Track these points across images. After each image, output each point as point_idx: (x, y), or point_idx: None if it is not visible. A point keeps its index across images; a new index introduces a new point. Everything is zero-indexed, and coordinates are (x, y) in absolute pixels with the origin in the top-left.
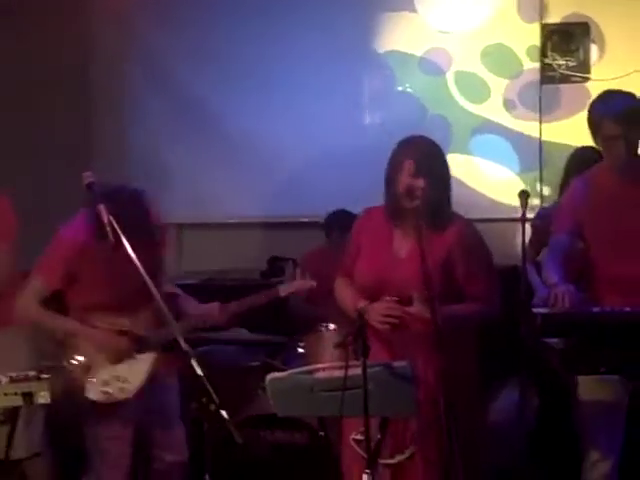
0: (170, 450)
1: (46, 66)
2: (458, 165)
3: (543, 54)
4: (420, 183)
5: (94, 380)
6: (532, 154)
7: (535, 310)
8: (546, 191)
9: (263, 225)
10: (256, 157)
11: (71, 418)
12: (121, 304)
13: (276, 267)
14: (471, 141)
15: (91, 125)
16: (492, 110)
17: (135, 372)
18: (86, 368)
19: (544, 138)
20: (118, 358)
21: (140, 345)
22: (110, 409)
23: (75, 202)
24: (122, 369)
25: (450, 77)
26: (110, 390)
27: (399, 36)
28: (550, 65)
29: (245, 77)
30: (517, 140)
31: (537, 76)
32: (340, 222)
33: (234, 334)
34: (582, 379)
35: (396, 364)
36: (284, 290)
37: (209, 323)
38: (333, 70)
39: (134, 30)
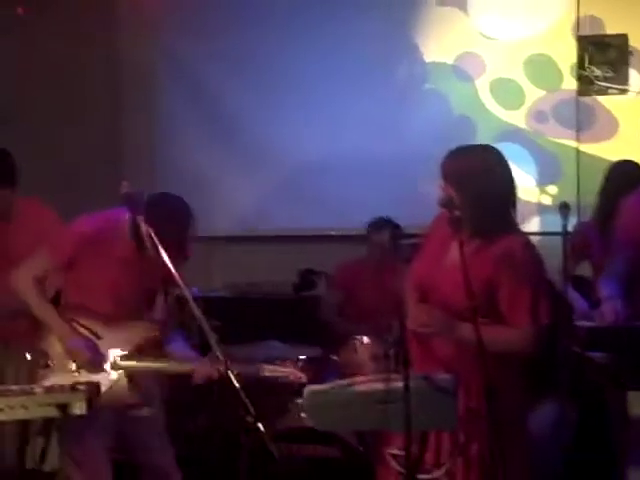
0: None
1: (78, 74)
2: None
3: (580, 66)
4: (448, 193)
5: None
6: (553, 166)
7: (579, 323)
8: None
9: (296, 238)
10: (288, 169)
11: None
12: (115, 313)
13: (308, 280)
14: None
15: (122, 136)
16: (521, 119)
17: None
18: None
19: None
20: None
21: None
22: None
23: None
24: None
25: (484, 82)
26: None
27: (438, 33)
28: (587, 77)
29: (278, 87)
30: (539, 151)
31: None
32: (380, 229)
33: (266, 347)
34: (632, 395)
35: (439, 377)
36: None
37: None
38: (369, 76)
39: (164, 41)
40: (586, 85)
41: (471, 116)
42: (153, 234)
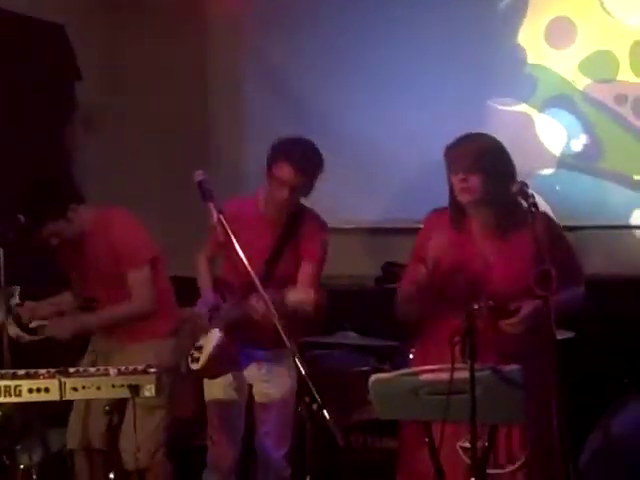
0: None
1: (170, 74)
2: None
3: None
4: (459, 178)
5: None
6: None
7: None
8: None
9: (377, 230)
10: (370, 162)
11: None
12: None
13: (391, 273)
14: None
15: (209, 138)
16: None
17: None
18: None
19: None
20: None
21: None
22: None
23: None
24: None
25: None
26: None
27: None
28: None
29: (363, 84)
30: None
31: None
32: None
33: (343, 338)
34: None
35: (506, 368)
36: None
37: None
38: (452, 73)
39: (251, 41)
40: None
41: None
42: (224, 220)
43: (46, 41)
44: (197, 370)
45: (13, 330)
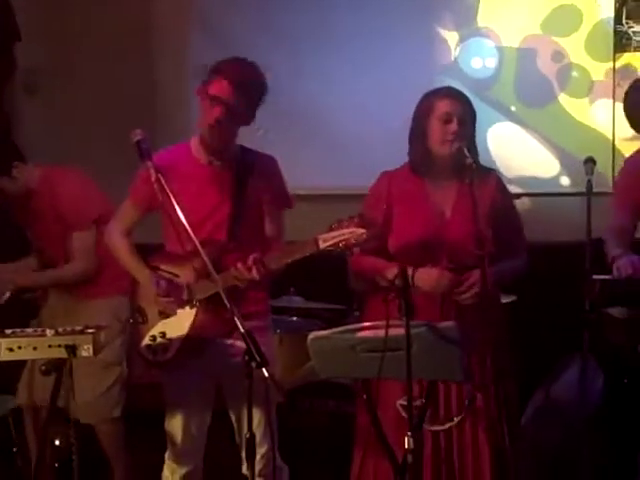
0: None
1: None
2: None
3: (618, 21)
4: (454, 127)
5: (146, 337)
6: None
7: (594, 277)
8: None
9: (322, 197)
10: (312, 128)
11: None
12: (182, 254)
13: None
14: None
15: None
16: None
17: (176, 327)
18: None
19: None
20: (166, 312)
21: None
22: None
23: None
24: (166, 324)
25: None
26: (155, 345)
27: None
28: (626, 33)
29: (315, 49)
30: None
31: None
32: None
33: (288, 302)
34: None
35: (441, 325)
36: (325, 240)
37: (246, 277)
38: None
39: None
40: (623, 42)
41: None
42: (162, 179)
43: None
44: (168, 359)
45: None
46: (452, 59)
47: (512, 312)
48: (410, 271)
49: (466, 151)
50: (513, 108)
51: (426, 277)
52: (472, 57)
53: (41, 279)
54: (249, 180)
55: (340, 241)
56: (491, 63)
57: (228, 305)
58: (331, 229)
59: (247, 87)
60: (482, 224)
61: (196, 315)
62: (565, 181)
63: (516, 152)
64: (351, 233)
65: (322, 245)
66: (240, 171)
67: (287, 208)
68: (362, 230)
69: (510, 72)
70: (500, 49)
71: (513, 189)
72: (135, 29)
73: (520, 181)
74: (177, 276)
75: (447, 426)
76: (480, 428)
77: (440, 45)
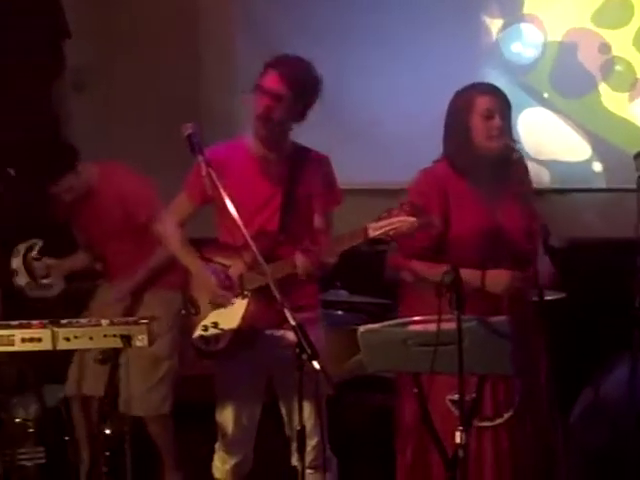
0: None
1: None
2: None
3: None
4: (497, 123)
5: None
6: None
7: None
8: None
9: (364, 191)
10: (357, 125)
11: None
12: (234, 246)
13: None
14: None
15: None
16: None
17: (228, 318)
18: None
19: None
20: (217, 303)
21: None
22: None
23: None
24: (218, 314)
25: None
26: (207, 335)
27: None
28: None
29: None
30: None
31: None
32: None
33: (334, 297)
34: None
35: (493, 319)
36: (375, 229)
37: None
38: None
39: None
40: None
41: None
42: (213, 174)
43: None
44: (221, 349)
45: (24, 279)
46: (493, 43)
47: (561, 309)
48: (478, 274)
49: (513, 146)
50: (546, 95)
51: (498, 280)
52: (513, 42)
53: (138, 277)
54: (301, 175)
55: (390, 229)
56: (531, 49)
57: (278, 296)
58: (380, 218)
59: (298, 82)
60: (530, 217)
61: (248, 305)
62: (597, 167)
63: (547, 137)
64: (402, 222)
65: (372, 234)
66: (293, 165)
67: (337, 205)
68: (413, 218)
69: (549, 60)
70: (543, 36)
71: (544, 174)
72: (181, 27)
73: (551, 165)
74: (228, 267)
75: (496, 422)
76: (529, 426)
77: (484, 33)
